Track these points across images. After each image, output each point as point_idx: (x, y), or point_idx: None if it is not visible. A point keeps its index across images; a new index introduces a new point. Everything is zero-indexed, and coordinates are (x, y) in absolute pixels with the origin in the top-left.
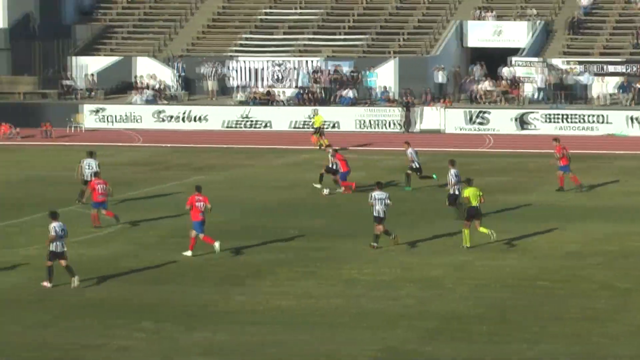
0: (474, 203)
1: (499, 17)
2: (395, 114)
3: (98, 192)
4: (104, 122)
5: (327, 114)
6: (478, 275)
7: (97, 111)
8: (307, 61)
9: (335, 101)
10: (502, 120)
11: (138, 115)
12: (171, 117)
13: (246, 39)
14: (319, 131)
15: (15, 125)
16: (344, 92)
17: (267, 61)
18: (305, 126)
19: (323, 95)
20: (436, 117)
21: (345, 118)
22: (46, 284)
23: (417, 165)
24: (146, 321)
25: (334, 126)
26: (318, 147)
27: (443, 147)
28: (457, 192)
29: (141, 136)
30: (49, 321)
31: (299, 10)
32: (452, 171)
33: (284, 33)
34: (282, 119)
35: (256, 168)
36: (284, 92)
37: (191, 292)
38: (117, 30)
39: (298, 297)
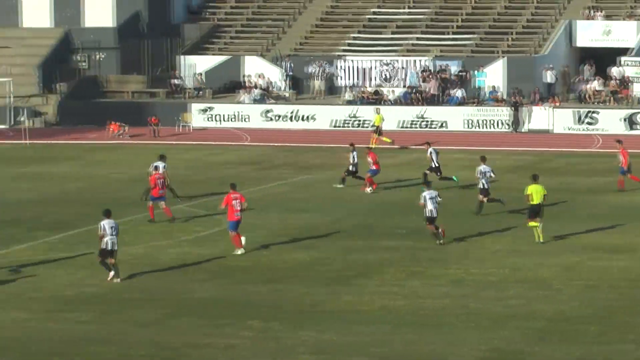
0: (537, 201)
1: (608, 17)
2: (503, 113)
3: (158, 187)
4: (212, 121)
5: (436, 114)
6: (587, 276)
7: (205, 110)
8: (415, 61)
9: (444, 101)
10: (611, 121)
11: (246, 115)
12: (279, 116)
13: (354, 38)
14: (378, 130)
15: (124, 124)
16: (452, 92)
17: (375, 60)
18: (413, 126)
19: (436, 93)
20: (545, 117)
21: (454, 118)
22: (115, 279)
23: (436, 165)
24: (254, 320)
25: (441, 126)
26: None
27: (551, 147)
28: (485, 186)
29: (249, 135)
30: (157, 319)
31: (407, 10)
32: (481, 167)
33: (392, 32)
34: (390, 118)
35: (364, 167)
36: (392, 91)
37: (299, 292)
38: (226, 30)
39: (405, 297)
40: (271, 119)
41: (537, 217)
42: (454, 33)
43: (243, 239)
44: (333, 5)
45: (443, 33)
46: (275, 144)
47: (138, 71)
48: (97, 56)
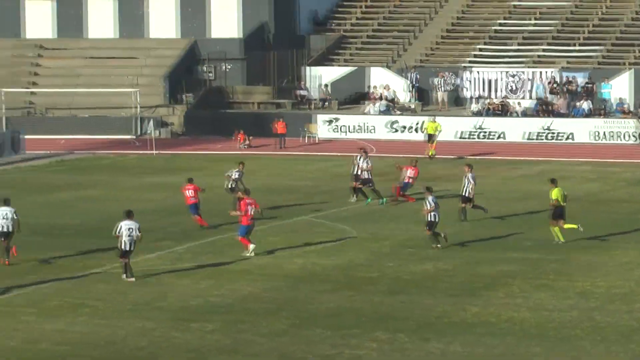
0: (563, 202)
1: None
2: (630, 125)
3: (189, 195)
4: (338, 132)
5: (562, 125)
6: None
7: (330, 121)
8: (541, 72)
9: (570, 113)
10: None
11: (371, 126)
12: (404, 127)
13: (480, 49)
14: (432, 139)
15: (248, 135)
16: (579, 104)
17: (502, 72)
18: (539, 138)
19: (564, 111)
20: None
21: (580, 130)
22: (130, 279)
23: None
24: (379, 331)
25: (568, 138)
26: (429, 157)
27: None
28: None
29: (374, 146)
30: (283, 330)
31: (534, 21)
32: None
33: (519, 44)
34: (516, 130)
35: (488, 179)
36: (519, 102)
37: (425, 303)
38: (351, 41)
39: (531, 309)
40: (397, 130)
41: (560, 219)
42: (580, 44)
43: (252, 246)
44: (459, 16)
45: (570, 44)
46: (401, 155)
47: (264, 82)
48: (223, 67)
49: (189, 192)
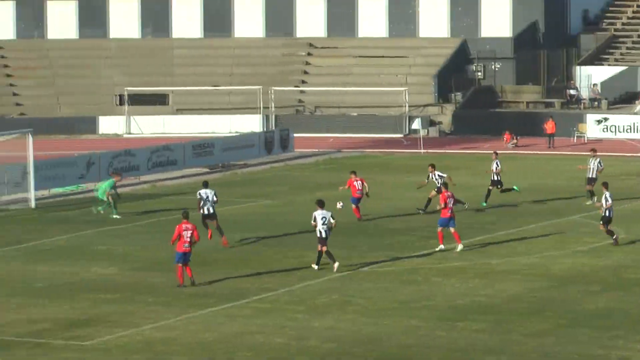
0: None
1: None
2: None
3: (357, 188)
4: (607, 132)
5: None
6: None
7: (600, 121)
8: None
9: None
10: None
11: None
12: None
13: None
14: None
15: (516, 135)
16: None
17: None
18: None
19: None
20: None
21: None
22: (335, 264)
23: (498, 179)
24: None
25: None
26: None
27: None
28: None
29: None
30: (548, 330)
31: None
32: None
33: None
34: None
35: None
36: None
37: None
38: (623, 40)
39: None
40: None
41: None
42: None
43: (460, 246)
44: None
45: None
46: None
47: (533, 81)
48: (493, 66)
49: (358, 184)
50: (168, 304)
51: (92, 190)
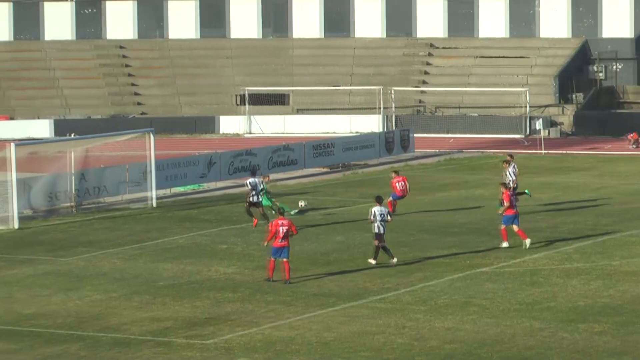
0: None
1: None
2: None
3: (400, 188)
4: None
5: None
6: None
7: None
8: None
9: None
10: None
11: None
12: None
13: None
14: None
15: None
16: None
17: None
18: None
19: None
20: None
21: None
22: (392, 259)
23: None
24: None
25: None
26: None
27: None
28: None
29: None
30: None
31: None
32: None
33: None
34: None
35: None
36: None
37: None
38: None
39: None
40: None
41: None
42: None
43: (527, 241)
44: None
45: None
46: None
47: None
48: (614, 66)
49: (399, 185)
50: (288, 303)
51: (211, 190)
